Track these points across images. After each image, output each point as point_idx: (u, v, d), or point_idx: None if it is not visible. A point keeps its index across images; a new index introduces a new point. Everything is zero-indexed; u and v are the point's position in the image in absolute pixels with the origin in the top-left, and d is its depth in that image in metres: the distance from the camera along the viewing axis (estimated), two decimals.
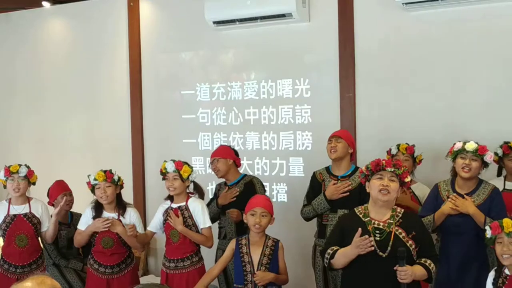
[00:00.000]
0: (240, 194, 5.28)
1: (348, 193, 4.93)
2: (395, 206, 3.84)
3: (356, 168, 5.08)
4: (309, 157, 6.18)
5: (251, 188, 5.32)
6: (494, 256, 4.53)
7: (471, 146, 4.46)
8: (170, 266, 4.93)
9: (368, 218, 3.81)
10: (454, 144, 4.61)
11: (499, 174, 5.22)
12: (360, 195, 4.88)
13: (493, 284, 3.74)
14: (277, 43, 6.39)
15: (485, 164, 4.52)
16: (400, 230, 3.71)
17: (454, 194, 4.50)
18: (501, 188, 5.06)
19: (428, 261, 3.69)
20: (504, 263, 3.65)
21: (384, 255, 3.67)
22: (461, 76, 5.62)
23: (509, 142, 5.09)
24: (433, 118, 5.70)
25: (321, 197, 4.99)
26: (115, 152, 7.22)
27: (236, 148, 6.20)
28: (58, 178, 5.95)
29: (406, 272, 3.58)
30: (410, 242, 3.69)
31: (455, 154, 4.55)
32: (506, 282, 3.68)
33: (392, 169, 3.80)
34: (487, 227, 3.75)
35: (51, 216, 5.35)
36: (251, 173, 6.14)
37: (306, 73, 6.26)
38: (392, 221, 3.74)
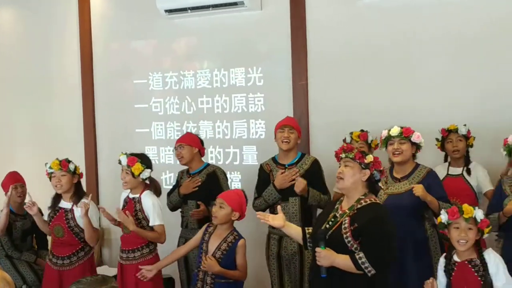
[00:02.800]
0: (202, 184, 5.25)
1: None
2: (363, 197, 3.73)
3: (303, 155, 5.14)
4: (263, 145, 6.19)
5: (214, 179, 5.28)
6: (436, 239, 4.61)
7: (395, 130, 4.55)
8: (123, 256, 4.89)
9: (338, 206, 3.82)
10: (381, 134, 4.71)
11: (446, 159, 5.33)
12: (311, 182, 4.93)
13: (445, 271, 3.75)
14: (230, 31, 6.38)
15: (417, 146, 4.58)
16: (346, 221, 3.65)
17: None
18: (444, 173, 5.20)
19: (361, 254, 3.53)
20: (459, 248, 3.67)
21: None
22: (414, 63, 5.70)
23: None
24: (386, 105, 5.75)
25: (270, 187, 5.01)
26: (67, 142, 7.12)
27: None
28: (9, 169, 5.87)
29: (319, 254, 3.58)
30: (348, 234, 3.60)
31: (385, 143, 4.63)
32: (455, 269, 3.71)
33: (344, 155, 3.79)
34: (442, 211, 3.76)
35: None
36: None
37: (258, 62, 6.27)
38: (348, 211, 3.70)
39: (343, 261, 3.57)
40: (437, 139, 5.26)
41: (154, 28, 6.74)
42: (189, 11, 6.31)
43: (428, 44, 5.63)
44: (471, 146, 5.21)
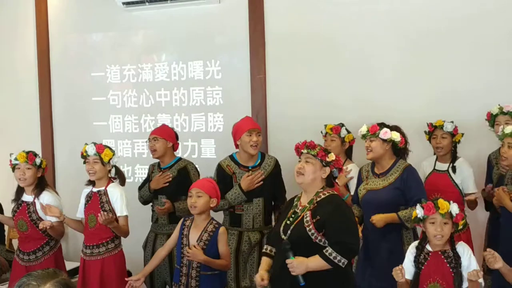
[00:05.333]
0: (173, 180, 5.23)
1: (262, 182, 5.00)
2: (321, 190, 3.79)
3: (263, 155, 5.17)
4: (221, 138, 6.21)
5: (185, 174, 5.26)
6: (411, 235, 4.64)
7: (363, 129, 4.64)
8: (87, 252, 4.83)
9: (296, 203, 3.86)
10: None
11: (435, 152, 5.30)
12: (274, 182, 4.99)
13: (415, 261, 3.77)
14: (188, 24, 6.37)
15: (394, 143, 4.58)
16: (307, 214, 3.69)
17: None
18: (431, 168, 5.22)
19: (329, 251, 3.58)
20: (436, 242, 3.71)
21: (285, 238, 3.73)
22: (371, 55, 5.76)
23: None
24: (344, 98, 5.81)
25: (237, 190, 4.99)
26: (23, 135, 7.01)
27: (148, 130, 6.17)
28: None
29: (291, 265, 3.58)
30: (311, 227, 3.65)
31: (364, 140, 4.70)
32: (429, 258, 3.74)
33: (306, 151, 3.82)
34: (417, 206, 3.78)
35: None
36: None
37: (217, 55, 6.28)
38: (308, 205, 3.74)
39: (315, 263, 3.60)
40: (425, 132, 5.26)
41: (112, 21, 6.68)
42: (147, 3, 6.29)
43: (386, 38, 5.70)
44: (458, 142, 5.17)
